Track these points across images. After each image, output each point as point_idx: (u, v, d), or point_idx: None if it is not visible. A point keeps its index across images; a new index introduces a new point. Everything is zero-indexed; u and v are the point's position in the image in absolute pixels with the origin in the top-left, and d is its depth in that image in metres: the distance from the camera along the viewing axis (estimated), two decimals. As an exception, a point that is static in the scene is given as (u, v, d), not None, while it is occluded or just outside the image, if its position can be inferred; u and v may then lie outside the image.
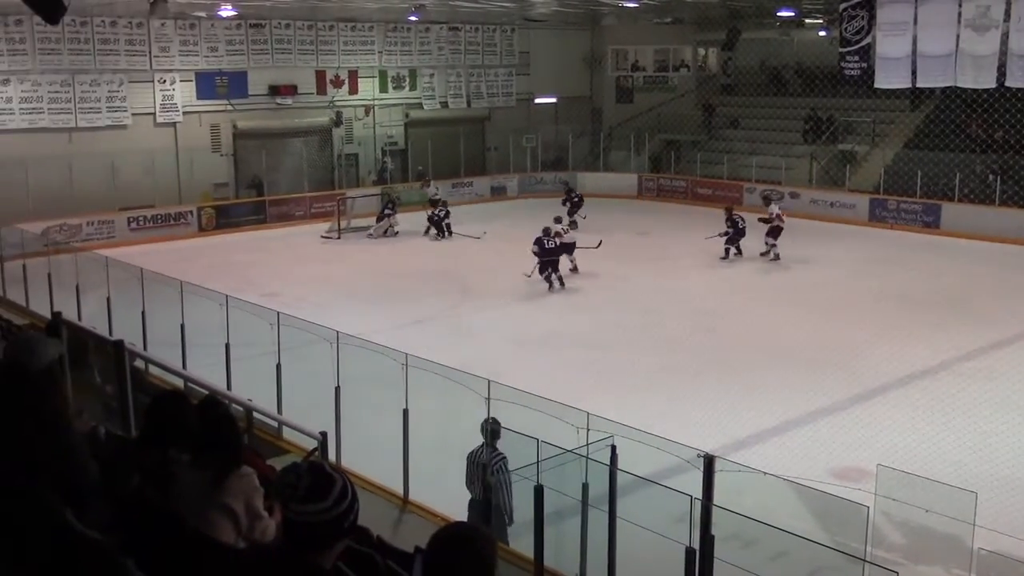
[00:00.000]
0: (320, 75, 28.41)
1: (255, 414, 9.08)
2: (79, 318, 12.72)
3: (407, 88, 30.48)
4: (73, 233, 22.26)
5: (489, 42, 32.39)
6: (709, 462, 6.72)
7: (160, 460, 3.71)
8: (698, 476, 6.75)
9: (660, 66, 35.23)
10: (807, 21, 32.36)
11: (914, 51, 18.36)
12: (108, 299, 14.54)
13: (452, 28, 31.16)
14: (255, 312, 11.91)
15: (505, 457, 8.06)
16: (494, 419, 8.32)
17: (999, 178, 24.55)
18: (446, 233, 24.48)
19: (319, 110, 28.49)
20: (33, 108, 23.46)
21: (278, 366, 10.98)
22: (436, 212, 24.77)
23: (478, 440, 8.31)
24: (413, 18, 28.45)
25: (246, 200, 26.66)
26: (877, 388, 13.23)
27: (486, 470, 8.10)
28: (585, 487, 7.27)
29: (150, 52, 25.14)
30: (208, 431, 3.93)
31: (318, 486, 2.53)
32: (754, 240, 21.50)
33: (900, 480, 8.22)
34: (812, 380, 13.14)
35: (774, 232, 21.24)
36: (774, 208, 21.46)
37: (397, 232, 24.74)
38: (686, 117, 33.03)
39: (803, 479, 9.24)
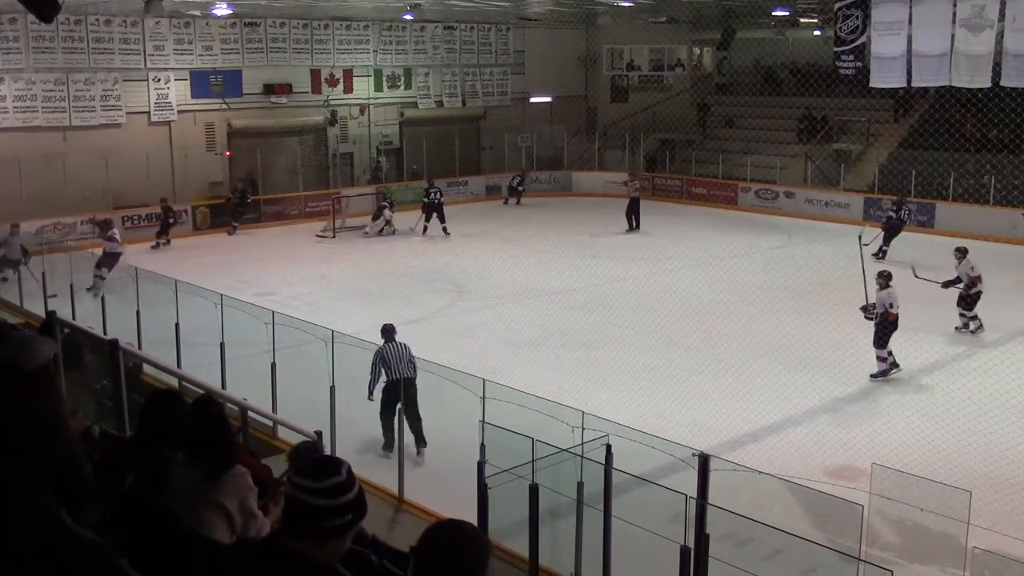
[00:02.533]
0: (315, 74, 28.37)
1: (250, 413, 9.06)
2: (73, 317, 12.68)
3: (402, 87, 30.45)
4: (67, 232, 22.21)
5: (484, 41, 32.39)
6: (704, 461, 6.73)
7: (154, 459, 3.70)
8: (693, 475, 6.76)
9: (655, 65, 35.26)
10: (802, 20, 32.41)
11: (909, 50, 18.36)
12: (103, 298, 14.53)
13: (447, 27, 31.15)
14: (250, 311, 11.94)
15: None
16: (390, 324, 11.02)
17: (993, 177, 24.61)
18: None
19: (314, 109, 28.45)
20: (27, 107, 23.38)
21: (273, 365, 10.98)
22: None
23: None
24: (408, 17, 28.41)
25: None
26: (872, 387, 13.28)
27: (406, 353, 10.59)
28: (580, 486, 7.28)
29: (144, 51, 25.10)
30: (202, 430, 3.93)
31: (332, 462, 2.59)
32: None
33: (895, 479, 8.24)
34: (807, 379, 13.15)
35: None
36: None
37: (393, 231, 24.74)
38: (681, 116, 33.03)
39: (798, 478, 9.27)
